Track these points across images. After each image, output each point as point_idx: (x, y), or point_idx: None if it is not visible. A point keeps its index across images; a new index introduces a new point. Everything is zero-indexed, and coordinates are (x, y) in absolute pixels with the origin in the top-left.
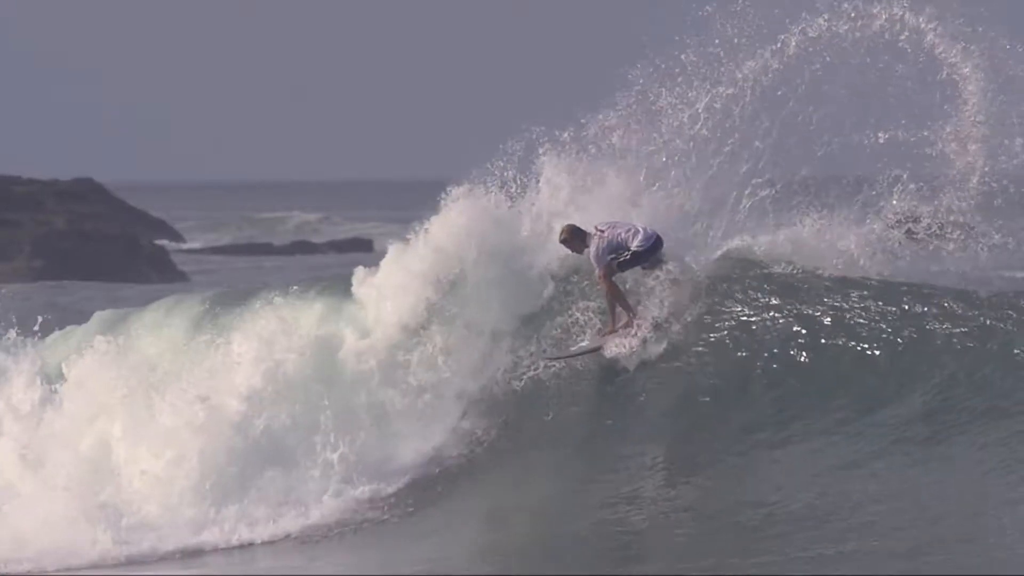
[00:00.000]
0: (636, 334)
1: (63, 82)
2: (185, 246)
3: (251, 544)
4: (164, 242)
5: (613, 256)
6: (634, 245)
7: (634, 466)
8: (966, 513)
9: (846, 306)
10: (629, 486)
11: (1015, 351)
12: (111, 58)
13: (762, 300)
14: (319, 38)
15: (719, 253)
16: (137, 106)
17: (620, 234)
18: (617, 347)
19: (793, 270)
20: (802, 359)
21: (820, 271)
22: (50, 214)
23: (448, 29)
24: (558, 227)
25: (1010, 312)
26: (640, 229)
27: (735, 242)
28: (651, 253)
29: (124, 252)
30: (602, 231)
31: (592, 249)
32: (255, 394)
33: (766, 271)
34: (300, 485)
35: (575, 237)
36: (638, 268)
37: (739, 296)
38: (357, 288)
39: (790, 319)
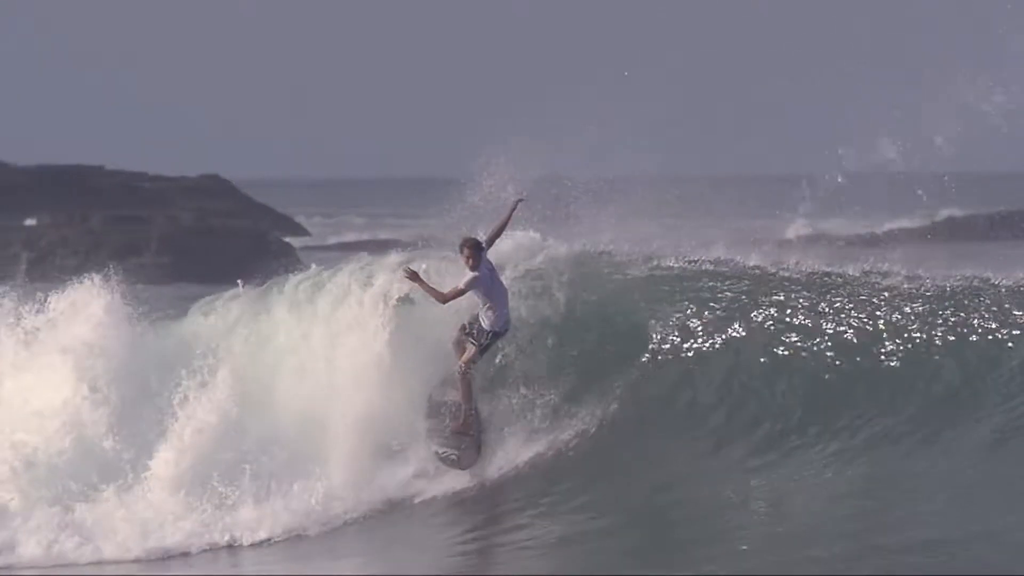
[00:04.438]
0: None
1: (189, 81)
2: (312, 242)
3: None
4: (290, 239)
5: (481, 323)
6: (498, 326)
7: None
8: (969, 512)
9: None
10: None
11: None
12: (232, 55)
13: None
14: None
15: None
16: (258, 103)
17: (494, 294)
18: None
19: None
20: (802, 364)
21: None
22: (178, 210)
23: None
24: (465, 237)
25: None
26: (504, 313)
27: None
28: (497, 338)
29: (251, 249)
30: (492, 269)
31: (472, 273)
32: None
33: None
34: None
35: (476, 255)
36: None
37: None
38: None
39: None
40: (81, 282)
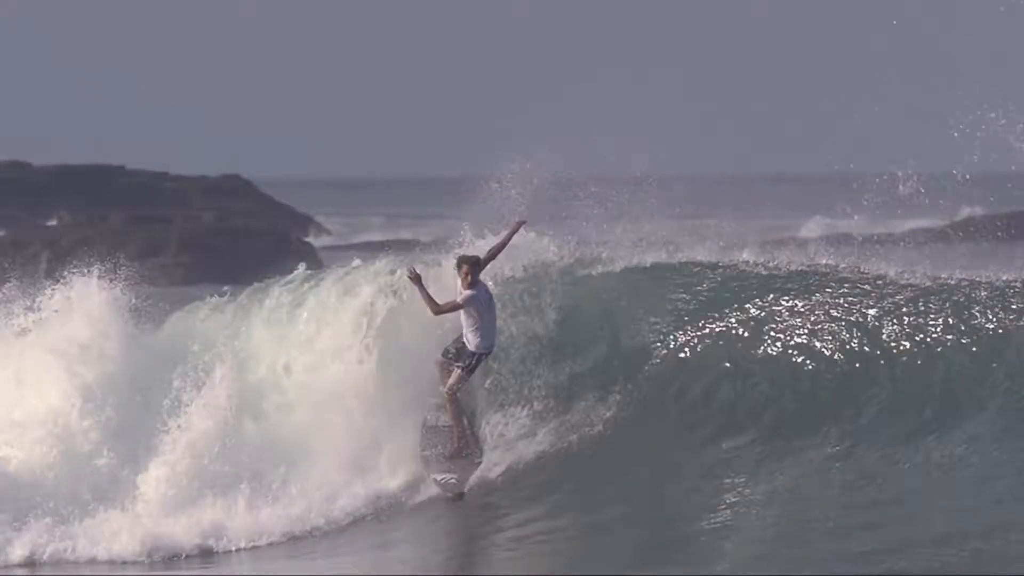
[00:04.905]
0: (468, 455)
1: (208, 79)
2: (333, 242)
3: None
4: (311, 238)
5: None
6: (483, 348)
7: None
8: (969, 509)
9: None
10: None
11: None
12: (248, 56)
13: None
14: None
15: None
16: (280, 103)
17: (485, 315)
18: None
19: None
20: (807, 365)
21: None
22: (198, 210)
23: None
24: (463, 254)
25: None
26: (491, 334)
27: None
28: (482, 359)
29: (271, 249)
30: (487, 290)
31: (469, 291)
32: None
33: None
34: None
35: (474, 273)
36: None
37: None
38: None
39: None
40: (79, 276)
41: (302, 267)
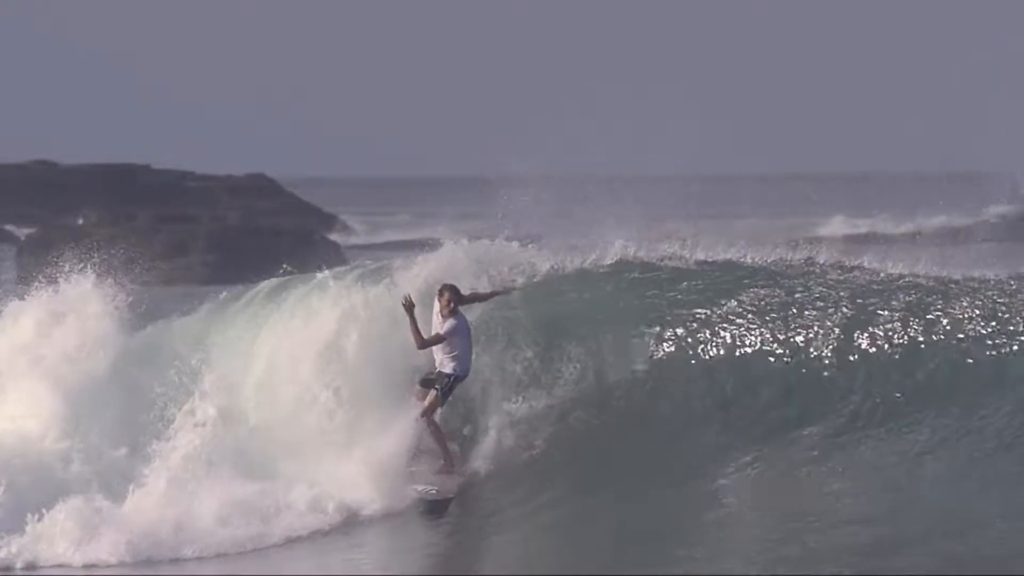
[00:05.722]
0: (454, 471)
1: (235, 80)
2: (358, 241)
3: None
4: (337, 237)
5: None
6: (459, 371)
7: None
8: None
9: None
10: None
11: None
12: (277, 59)
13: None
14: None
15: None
16: (301, 102)
17: (465, 343)
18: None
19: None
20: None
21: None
22: (224, 209)
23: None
24: (445, 283)
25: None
26: (468, 359)
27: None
28: (459, 382)
29: (297, 248)
30: (468, 323)
31: (452, 321)
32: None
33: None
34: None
35: (455, 301)
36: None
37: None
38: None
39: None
40: (73, 277)
41: (272, 280)
